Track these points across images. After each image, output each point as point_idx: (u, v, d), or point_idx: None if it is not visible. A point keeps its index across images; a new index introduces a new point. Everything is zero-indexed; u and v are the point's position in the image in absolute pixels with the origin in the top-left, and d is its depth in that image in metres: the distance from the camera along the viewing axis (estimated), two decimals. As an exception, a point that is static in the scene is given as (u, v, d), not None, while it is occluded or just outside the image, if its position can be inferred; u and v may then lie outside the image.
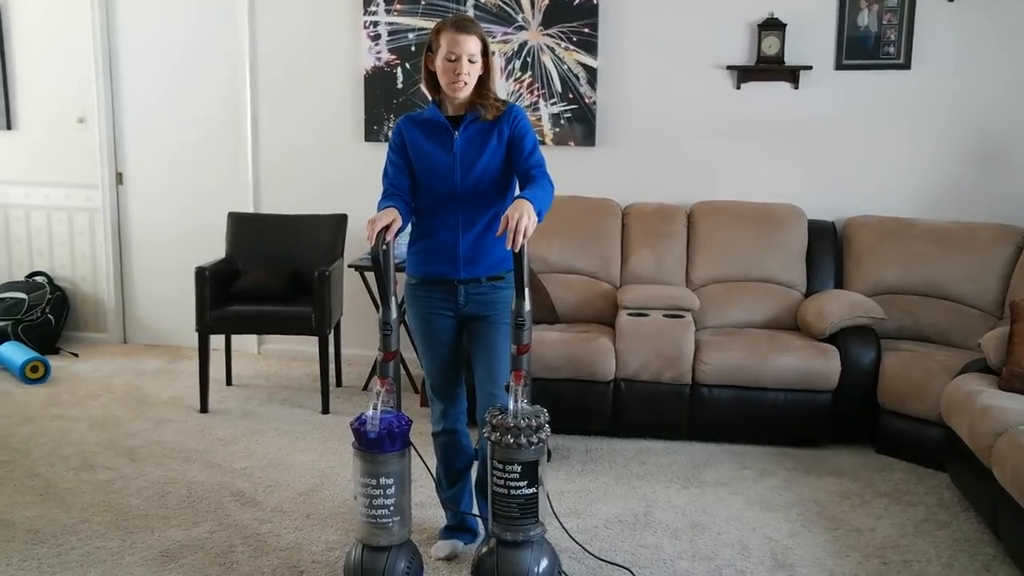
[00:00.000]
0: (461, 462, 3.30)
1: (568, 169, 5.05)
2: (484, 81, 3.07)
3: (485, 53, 3.03)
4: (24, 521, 3.51)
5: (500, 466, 2.75)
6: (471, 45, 2.97)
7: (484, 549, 2.84)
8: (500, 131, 3.05)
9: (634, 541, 3.43)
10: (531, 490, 2.75)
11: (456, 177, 3.04)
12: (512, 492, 2.74)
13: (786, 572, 3.21)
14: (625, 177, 5.34)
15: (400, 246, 5.05)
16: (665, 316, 4.45)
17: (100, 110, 5.89)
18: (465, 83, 2.99)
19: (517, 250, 2.74)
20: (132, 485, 3.87)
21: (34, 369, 5.23)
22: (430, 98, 3.18)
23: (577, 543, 3.21)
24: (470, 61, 2.97)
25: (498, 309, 3.08)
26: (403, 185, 3.13)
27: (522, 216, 2.70)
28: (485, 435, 2.80)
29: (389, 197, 3.10)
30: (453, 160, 3.04)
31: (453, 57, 2.95)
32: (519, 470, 2.72)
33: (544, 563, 2.78)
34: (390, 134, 3.32)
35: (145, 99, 5.91)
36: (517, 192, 3.02)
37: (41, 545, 3.32)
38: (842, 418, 4.36)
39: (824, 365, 4.30)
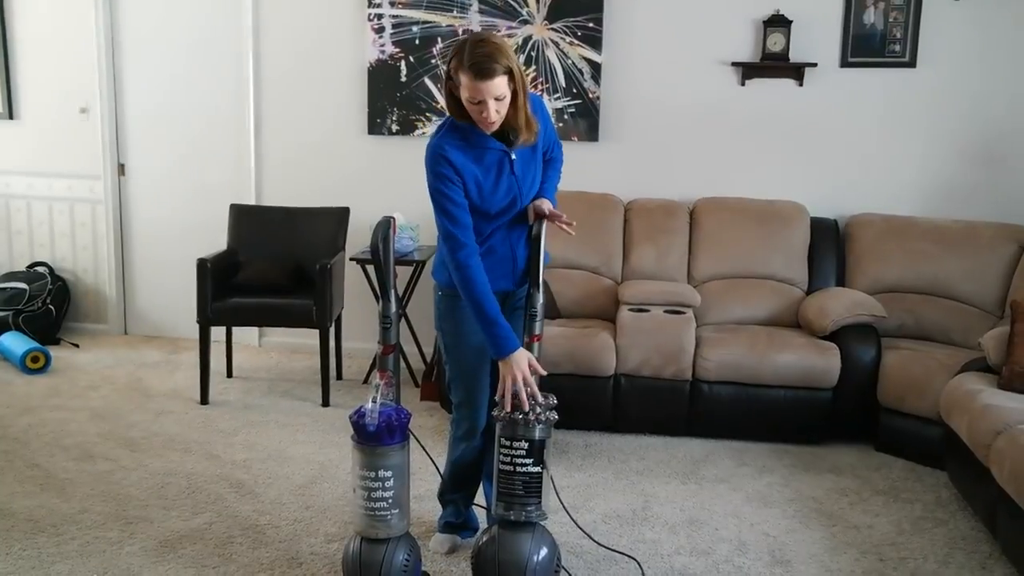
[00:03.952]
0: (476, 473, 3.26)
1: (571, 164, 5.00)
2: (516, 100, 2.78)
3: (513, 77, 2.73)
4: (23, 511, 3.51)
5: (507, 443, 2.76)
6: (495, 88, 2.68)
7: (484, 538, 2.85)
8: (537, 140, 2.98)
9: (632, 536, 3.43)
10: (536, 469, 2.76)
11: (522, 199, 2.95)
12: (518, 469, 2.75)
13: (783, 568, 3.21)
14: (628, 172, 5.34)
15: (402, 239, 5.08)
16: (666, 312, 4.45)
17: (103, 100, 5.89)
18: (495, 121, 2.76)
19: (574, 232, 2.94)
20: (132, 476, 3.87)
21: (35, 359, 5.24)
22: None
23: (582, 530, 3.17)
24: (497, 99, 2.71)
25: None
26: (472, 232, 2.89)
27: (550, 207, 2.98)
28: (494, 414, 2.81)
29: (475, 257, 2.85)
30: (514, 183, 2.92)
31: (477, 101, 2.71)
32: (525, 447, 2.74)
33: (544, 551, 2.78)
34: (434, 164, 2.83)
35: (148, 90, 5.91)
36: None
37: (40, 535, 3.32)
38: (842, 416, 4.36)
39: (824, 363, 4.29)
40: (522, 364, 2.81)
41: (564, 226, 2.98)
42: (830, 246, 4.99)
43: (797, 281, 4.93)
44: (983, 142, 5.02)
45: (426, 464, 3.54)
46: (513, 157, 2.89)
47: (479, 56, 2.66)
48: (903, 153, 5.11)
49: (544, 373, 2.89)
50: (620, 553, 3.24)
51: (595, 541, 3.23)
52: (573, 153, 5.28)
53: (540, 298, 2.97)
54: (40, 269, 6.02)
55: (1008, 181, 5.01)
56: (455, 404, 3.19)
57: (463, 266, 2.83)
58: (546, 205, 3.00)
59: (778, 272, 4.93)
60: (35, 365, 5.24)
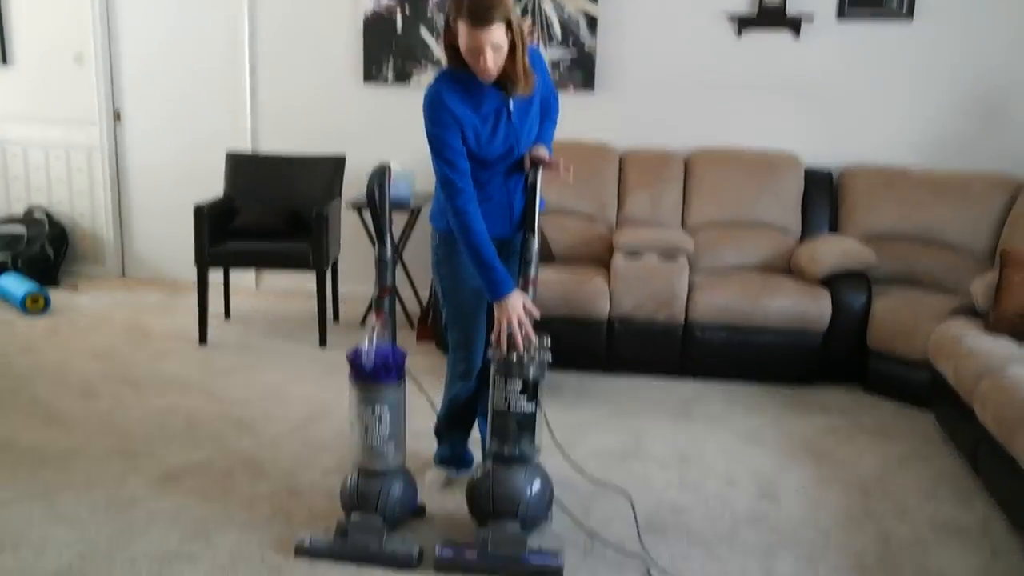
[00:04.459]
0: (472, 404, 3.33)
1: (566, 114, 4.98)
2: (513, 52, 2.78)
3: (511, 28, 2.73)
4: (29, 444, 3.58)
5: (502, 382, 2.83)
6: (492, 35, 2.68)
7: (479, 473, 2.93)
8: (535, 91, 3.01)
9: (624, 471, 3.51)
10: (530, 407, 2.83)
11: (519, 146, 2.98)
12: (512, 408, 2.82)
13: (770, 502, 3.30)
14: (623, 123, 5.36)
15: (398, 187, 5.10)
16: (660, 258, 4.50)
17: (97, 47, 5.87)
18: (492, 70, 2.76)
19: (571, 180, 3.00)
20: (133, 413, 3.94)
21: (34, 300, 5.28)
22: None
23: (574, 465, 3.25)
24: (494, 48, 2.71)
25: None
26: (470, 178, 2.91)
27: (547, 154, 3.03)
28: (490, 355, 2.87)
29: (472, 203, 2.88)
30: (510, 131, 2.94)
31: (474, 49, 2.71)
32: (520, 386, 2.81)
33: (537, 485, 2.87)
34: (432, 111, 2.84)
35: (143, 37, 5.89)
36: None
37: (46, 467, 3.39)
38: (832, 359, 4.44)
39: (816, 308, 4.36)
40: (517, 306, 2.86)
41: (562, 172, 3.02)
42: (823, 196, 5.03)
43: (790, 229, 4.98)
44: (979, 94, 5.05)
45: (422, 402, 3.60)
46: (511, 106, 2.92)
47: (477, 4, 2.67)
48: (899, 105, 5.13)
49: (538, 315, 2.94)
50: (611, 487, 3.31)
51: (586, 475, 3.31)
52: (569, 103, 5.27)
53: (535, 243, 3.00)
54: (37, 214, 6.04)
55: (1003, 132, 5.04)
56: (452, 346, 3.25)
57: (461, 212, 2.86)
58: (543, 152, 3.04)
59: (772, 220, 4.98)
60: (35, 306, 5.28)
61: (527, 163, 3.04)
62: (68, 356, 4.62)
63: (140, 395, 4.13)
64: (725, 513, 3.21)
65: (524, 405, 2.83)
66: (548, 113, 3.15)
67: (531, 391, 2.83)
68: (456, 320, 3.19)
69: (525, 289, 2.98)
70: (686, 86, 5.30)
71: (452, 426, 3.37)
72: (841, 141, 5.20)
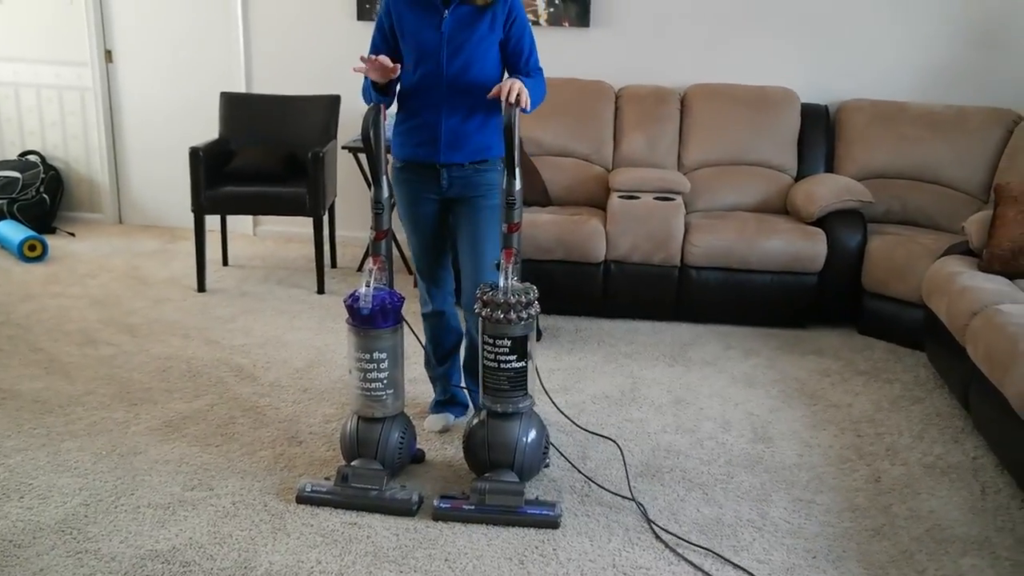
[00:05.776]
0: (449, 341, 3.38)
1: (562, 50, 5.02)
2: None
3: None
4: (31, 392, 3.62)
5: (491, 341, 2.83)
6: None
7: (475, 421, 2.96)
8: (494, 17, 2.99)
9: (620, 415, 3.56)
10: (520, 364, 2.84)
11: (443, 59, 2.98)
12: (502, 366, 2.83)
13: (764, 444, 3.35)
14: (619, 59, 5.30)
15: (390, 128, 5.07)
16: (656, 199, 4.49)
17: (87, -15, 5.78)
18: None
19: (514, 100, 2.81)
20: (134, 360, 3.97)
21: (32, 248, 5.28)
22: None
23: (565, 416, 3.34)
24: None
25: (481, 191, 3.09)
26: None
27: (514, 84, 2.85)
28: (476, 311, 2.87)
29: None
30: (440, 40, 2.97)
31: None
32: (509, 344, 2.81)
33: (532, 434, 2.90)
34: (379, 7, 3.13)
35: (132, -26, 5.79)
36: None
37: (49, 415, 3.43)
38: (827, 300, 4.46)
39: (811, 248, 4.36)
40: (383, 66, 2.90)
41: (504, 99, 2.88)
42: (820, 132, 5.00)
43: (786, 168, 4.96)
44: (977, 24, 4.97)
45: (420, 348, 3.63)
46: (445, 15, 2.95)
47: None
48: (897, 37, 5.06)
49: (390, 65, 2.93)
50: (600, 436, 3.36)
51: (576, 424, 3.36)
52: (564, 40, 5.26)
53: (517, 185, 2.91)
54: (32, 158, 6.00)
55: (1001, 64, 4.98)
56: (416, 275, 3.34)
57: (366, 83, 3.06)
58: (507, 84, 2.86)
59: (768, 159, 4.96)
60: (32, 253, 5.28)
61: (503, 98, 2.86)
62: (67, 304, 4.64)
63: (140, 343, 4.16)
64: (720, 456, 3.26)
65: (513, 363, 2.83)
66: (530, 74, 3.09)
67: (519, 349, 2.82)
68: (412, 247, 3.28)
69: (509, 236, 2.91)
70: (682, 19, 5.22)
71: (439, 359, 3.40)
72: (837, 74, 5.15)
